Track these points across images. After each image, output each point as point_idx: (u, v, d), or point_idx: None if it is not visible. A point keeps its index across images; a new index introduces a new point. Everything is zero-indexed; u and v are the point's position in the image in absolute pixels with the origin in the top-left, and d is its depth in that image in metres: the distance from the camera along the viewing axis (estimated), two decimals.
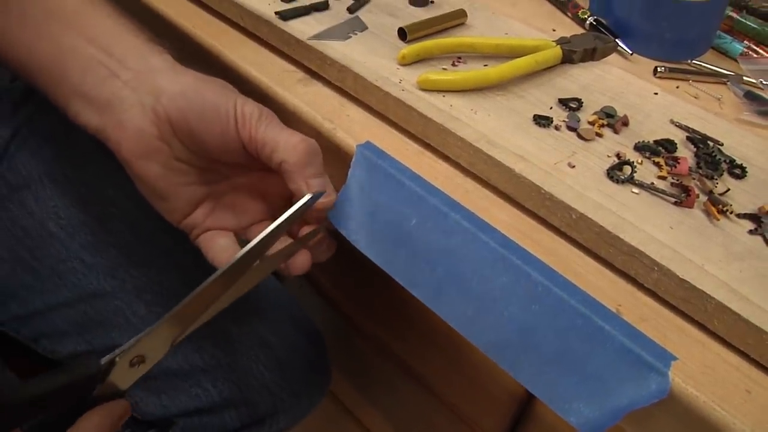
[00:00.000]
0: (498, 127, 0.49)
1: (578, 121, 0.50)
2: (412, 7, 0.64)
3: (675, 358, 0.37)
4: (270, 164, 0.45)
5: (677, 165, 0.46)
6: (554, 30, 0.64)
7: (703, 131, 0.50)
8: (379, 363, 0.87)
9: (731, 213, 0.43)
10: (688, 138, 0.50)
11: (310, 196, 0.44)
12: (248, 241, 0.42)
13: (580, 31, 0.65)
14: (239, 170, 0.50)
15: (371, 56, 0.55)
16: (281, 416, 0.69)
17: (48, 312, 0.63)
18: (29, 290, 0.64)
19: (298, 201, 0.44)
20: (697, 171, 0.47)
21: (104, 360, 0.41)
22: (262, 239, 0.42)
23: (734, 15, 0.65)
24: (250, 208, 0.51)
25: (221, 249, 0.48)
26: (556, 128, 0.50)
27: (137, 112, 0.44)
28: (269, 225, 0.43)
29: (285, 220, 0.43)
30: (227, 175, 0.50)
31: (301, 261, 0.48)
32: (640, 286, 0.41)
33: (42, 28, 0.47)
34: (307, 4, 0.61)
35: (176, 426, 0.65)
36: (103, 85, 0.45)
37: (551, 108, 0.52)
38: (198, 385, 0.64)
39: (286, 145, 0.44)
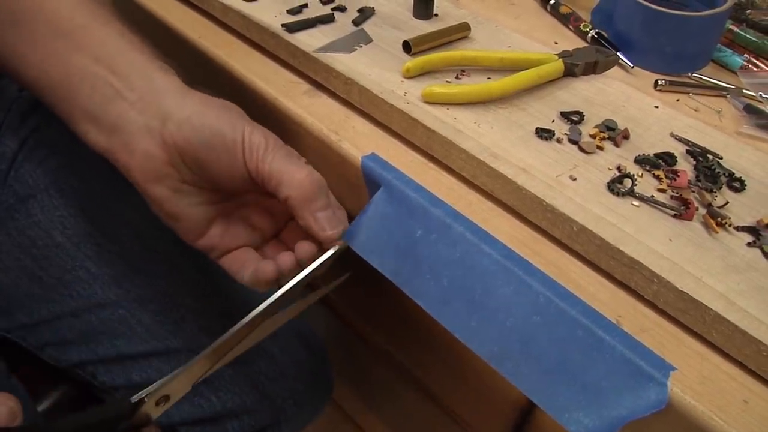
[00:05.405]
0: (501, 139, 0.50)
1: (580, 134, 0.51)
2: (416, 20, 0.64)
3: (674, 369, 0.37)
4: (277, 196, 0.46)
5: (677, 178, 0.47)
6: (556, 43, 0.65)
7: (702, 144, 0.51)
8: (381, 370, 0.87)
9: (730, 226, 0.44)
10: (687, 151, 0.50)
11: (335, 249, 0.47)
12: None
13: (581, 44, 0.66)
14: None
15: (376, 69, 0.56)
16: (283, 426, 0.69)
17: (53, 321, 0.64)
18: (35, 299, 0.64)
19: (313, 239, 0.47)
20: (696, 184, 0.47)
21: (134, 399, 0.43)
22: (291, 288, 0.45)
23: (734, 28, 0.66)
24: (260, 223, 0.52)
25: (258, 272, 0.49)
26: (558, 141, 0.50)
27: (144, 135, 0.45)
28: (288, 254, 0.47)
29: (312, 270, 0.46)
30: (234, 194, 0.51)
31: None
32: (640, 298, 0.42)
33: (51, 47, 0.48)
34: (313, 16, 0.62)
35: None
36: (109, 105, 0.46)
37: (553, 121, 0.52)
38: (201, 395, 0.64)
39: (291, 180, 0.45)
